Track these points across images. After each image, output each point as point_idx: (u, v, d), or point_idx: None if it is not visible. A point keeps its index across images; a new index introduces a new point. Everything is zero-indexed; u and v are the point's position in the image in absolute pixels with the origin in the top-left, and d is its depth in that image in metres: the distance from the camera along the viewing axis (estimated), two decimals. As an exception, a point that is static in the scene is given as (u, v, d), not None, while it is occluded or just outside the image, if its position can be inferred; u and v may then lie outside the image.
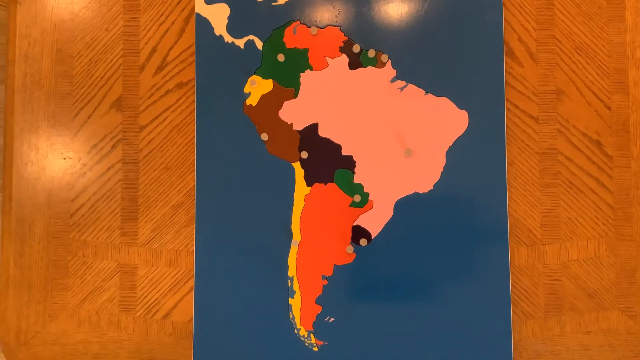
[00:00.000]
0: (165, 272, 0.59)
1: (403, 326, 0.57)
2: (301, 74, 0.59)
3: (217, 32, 0.59)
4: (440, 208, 0.57)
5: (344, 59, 0.59)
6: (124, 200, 0.60)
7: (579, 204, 0.59)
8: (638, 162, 0.59)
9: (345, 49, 0.59)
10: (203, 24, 0.59)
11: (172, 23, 0.60)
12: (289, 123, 0.59)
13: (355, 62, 0.59)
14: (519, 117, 0.59)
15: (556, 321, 0.58)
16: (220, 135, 0.58)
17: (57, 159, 0.60)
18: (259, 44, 0.59)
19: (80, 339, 0.59)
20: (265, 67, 0.59)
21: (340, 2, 0.59)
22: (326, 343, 0.57)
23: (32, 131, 0.60)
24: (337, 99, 0.58)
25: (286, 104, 0.59)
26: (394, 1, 0.59)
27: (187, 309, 0.59)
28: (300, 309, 0.58)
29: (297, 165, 0.58)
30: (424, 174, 0.58)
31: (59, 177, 0.60)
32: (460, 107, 0.58)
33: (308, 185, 0.58)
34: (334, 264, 0.58)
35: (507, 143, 0.59)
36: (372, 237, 0.58)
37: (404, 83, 0.58)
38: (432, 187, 0.58)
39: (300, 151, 0.58)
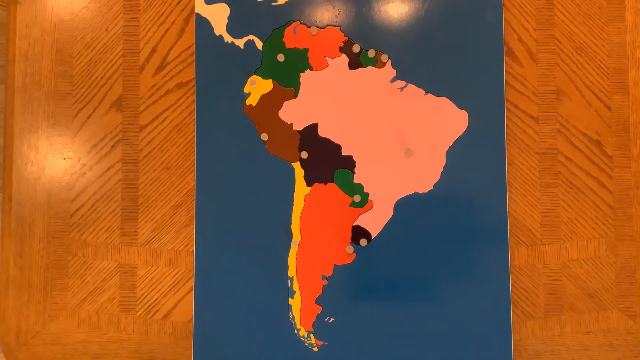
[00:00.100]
0: (165, 272, 0.59)
1: (403, 326, 0.57)
2: (301, 74, 0.59)
3: (217, 32, 0.59)
4: (440, 208, 0.57)
5: (344, 59, 0.59)
6: (124, 200, 0.60)
7: (579, 204, 0.59)
8: (638, 162, 0.59)
9: (345, 49, 0.59)
10: (203, 24, 0.59)
11: (172, 23, 0.60)
12: (289, 123, 0.59)
13: (355, 62, 0.59)
14: (519, 117, 0.59)
15: (556, 321, 0.58)
16: (220, 135, 0.58)
17: (57, 159, 0.60)
18: (259, 44, 0.59)
19: (80, 339, 0.59)
20: (265, 67, 0.59)
21: (340, 2, 0.59)
22: (326, 343, 0.57)
23: (32, 131, 0.60)
24: (337, 99, 0.58)
25: (286, 104, 0.59)
26: (394, 1, 0.59)
27: (187, 309, 0.59)
28: (300, 309, 0.58)
29: (297, 165, 0.58)
30: (424, 174, 0.58)
31: (59, 177, 0.60)
32: (460, 107, 0.58)
33: (308, 185, 0.58)
34: (334, 264, 0.58)
35: (507, 143, 0.59)
36: (372, 237, 0.58)
37: (404, 83, 0.58)
38: (432, 187, 0.58)
39: (300, 151, 0.58)
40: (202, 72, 0.59)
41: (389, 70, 0.58)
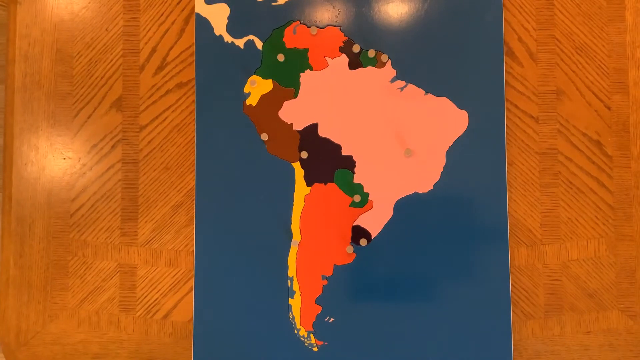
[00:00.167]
0: (165, 272, 0.59)
1: (403, 326, 0.57)
2: (301, 74, 0.59)
3: (217, 32, 0.59)
4: (440, 208, 0.57)
5: (344, 59, 0.59)
6: (124, 200, 0.60)
7: (579, 204, 0.59)
8: (638, 162, 0.59)
9: (345, 49, 0.59)
10: (203, 24, 0.59)
11: (172, 23, 0.60)
12: (288, 123, 0.59)
13: (355, 62, 0.59)
14: (519, 117, 0.59)
15: (556, 321, 0.58)
16: (220, 135, 0.58)
17: (57, 159, 0.60)
18: (259, 44, 0.59)
19: (80, 339, 0.59)
20: (265, 67, 0.59)
21: (340, 2, 0.59)
22: (326, 343, 0.57)
23: (32, 131, 0.60)
24: (337, 99, 0.58)
25: (286, 104, 0.59)
26: (394, 1, 0.59)
27: (187, 309, 0.59)
28: (300, 309, 0.58)
29: (297, 165, 0.58)
30: (424, 174, 0.58)
31: (59, 177, 0.60)
32: (460, 107, 0.58)
33: (308, 185, 0.58)
34: (334, 264, 0.58)
35: (507, 143, 0.59)
36: (372, 237, 0.58)
37: (404, 83, 0.58)
38: (432, 187, 0.58)
39: (300, 151, 0.58)
40: (202, 72, 0.59)
41: (389, 70, 0.58)
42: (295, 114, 0.58)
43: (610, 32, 0.59)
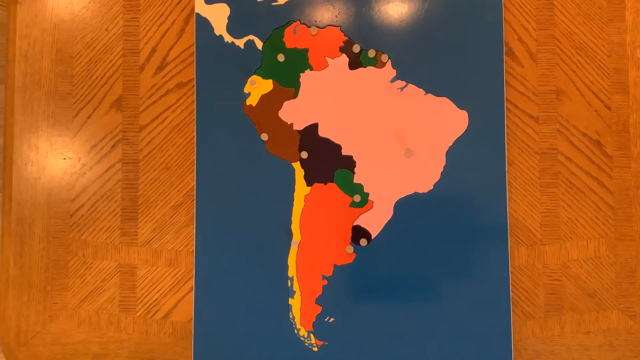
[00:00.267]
0: (165, 272, 0.59)
1: (403, 326, 0.57)
2: (301, 74, 0.59)
3: (217, 32, 0.59)
4: (440, 208, 0.57)
5: (344, 59, 0.59)
6: (124, 200, 0.60)
7: (579, 204, 0.59)
8: (638, 162, 0.59)
9: (345, 49, 0.59)
10: (203, 24, 0.59)
11: (172, 23, 0.60)
12: (289, 123, 0.59)
13: (355, 62, 0.59)
14: (519, 117, 0.59)
15: (556, 321, 0.58)
16: (220, 135, 0.58)
17: (57, 159, 0.60)
18: (259, 44, 0.59)
19: (80, 339, 0.59)
20: (265, 67, 0.59)
21: (340, 2, 0.59)
22: (326, 343, 0.57)
23: (32, 131, 0.60)
24: (337, 99, 0.58)
25: (286, 104, 0.59)
26: (394, 1, 0.59)
27: (187, 309, 0.59)
28: (300, 309, 0.58)
29: (297, 165, 0.58)
30: (424, 174, 0.58)
31: (59, 177, 0.60)
32: (460, 107, 0.58)
33: (308, 185, 0.58)
34: (334, 264, 0.58)
35: (507, 143, 0.59)
36: (372, 237, 0.58)
37: (404, 83, 0.58)
38: (432, 187, 0.58)
39: (300, 151, 0.58)
40: (202, 72, 0.59)
41: (389, 70, 0.58)
42: (295, 114, 0.58)
43: (610, 32, 0.59)
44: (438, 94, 0.58)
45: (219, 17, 0.59)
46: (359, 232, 0.58)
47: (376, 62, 0.58)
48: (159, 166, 0.60)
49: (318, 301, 0.58)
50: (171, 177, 0.60)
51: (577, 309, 0.58)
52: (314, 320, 0.58)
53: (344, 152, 0.58)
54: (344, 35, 0.59)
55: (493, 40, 0.58)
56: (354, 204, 0.58)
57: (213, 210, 0.58)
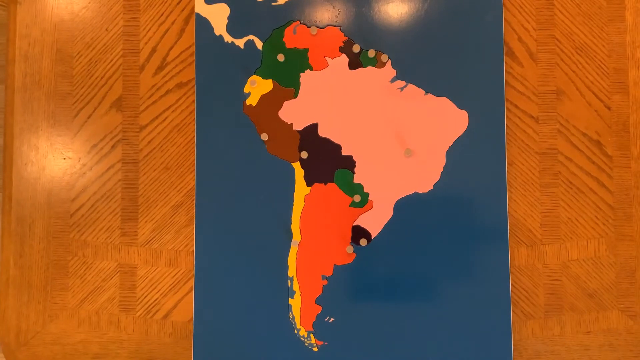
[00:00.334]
0: (165, 272, 0.59)
1: (403, 326, 0.57)
2: (301, 74, 0.59)
3: (217, 32, 0.59)
4: (440, 208, 0.57)
5: (344, 59, 0.59)
6: (124, 200, 0.60)
7: (579, 204, 0.59)
8: (638, 162, 0.59)
9: (345, 49, 0.59)
10: (203, 24, 0.59)
11: (172, 23, 0.60)
12: (289, 123, 0.59)
13: (355, 62, 0.59)
14: (519, 117, 0.59)
15: (556, 321, 0.58)
16: (220, 135, 0.58)
17: (57, 159, 0.60)
18: (259, 44, 0.59)
19: (80, 339, 0.59)
20: (265, 67, 0.59)
21: (340, 2, 0.59)
22: (326, 343, 0.57)
23: (32, 131, 0.60)
24: (337, 99, 0.58)
25: (286, 104, 0.59)
26: (394, 1, 0.59)
27: (187, 309, 0.59)
28: (300, 309, 0.58)
29: (297, 165, 0.58)
30: (424, 174, 0.58)
31: (59, 177, 0.60)
32: (460, 107, 0.58)
33: (308, 185, 0.58)
34: (334, 264, 0.58)
35: (507, 143, 0.59)
36: (372, 237, 0.58)
37: (404, 83, 0.58)
38: (432, 187, 0.58)
39: (300, 151, 0.58)
40: (202, 72, 0.59)
41: (389, 70, 0.58)
42: (295, 114, 0.58)
43: (610, 32, 0.59)
44: (438, 94, 0.58)
45: (219, 17, 0.59)
46: (359, 232, 0.58)
47: (376, 62, 0.58)
48: (159, 166, 0.60)
49: (318, 301, 0.58)
50: (171, 177, 0.60)
51: (577, 309, 0.58)
52: (314, 320, 0.58)
53: (344, 152, 0.58)
54: (344, 35, 0.59)
55: (493, 40, 0.58)
56: (354, 204, 0.58)
57: (213, 210, 0.58)
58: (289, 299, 0.58)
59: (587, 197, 0.59)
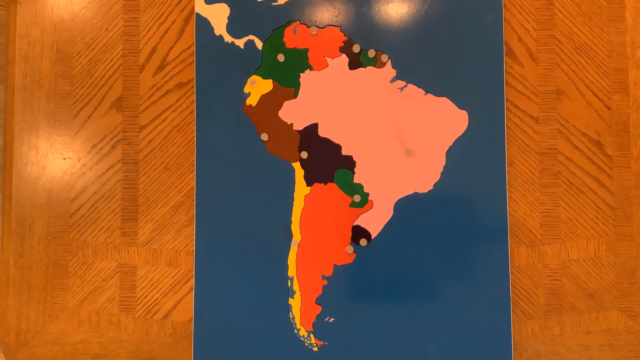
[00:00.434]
0: (165, 272, 0.59)
1: (403, 326, 0.57)
2: (301, 74, 0.59)
3: (217, 32, 0.59)
4: (440, 208, 0.57)
5: (344, 59, 0.59)
6: (124, 200, 0.60)
7: (579, 204, 0.59)
8: (638, 162, 0.59)
9: (345, 49, 0.59)
10: (203, 24, 0.59)
11: (172, 23, 0.60)
12: (288, 123, 0.59)
13: (355, 62, 0.59)
14: (519, 117, 0.59)
15: (556, 321, 0.58)
16: (220, 135, 0.58)
17: (57, 159, 0.60)
18: (259, 44, 0.59)
19: (80, 339, 0.59)
20: (265, 67, 0.59)
21: (340, 2, 0.59)
22: (326, 343, 0.57)
23: (32, 131, 0.60)
24: (337, 99, 0.58)
25: (286, 104, 0.59)
26: (394, 1, 0.59)
27: (187, 309, 0.59)
28: (300, 309, 0.58)
29: (297, 165, 0.58)
30: (424, 174, 0.58)
31: (59, 177, 0.60)
32: (460, 107, 0.58)
33: (308, 185, 0.58)
34: (334, 264, 0.58)
35: (507, 143, 0.59)
36: (372, 237, 0.58)
37: (404, 83, 0.58)
38: (432, 187, 0.58)
39: (300, 151, 0.58)
40: (202, 72, 0.59)
41: (389, 70, 0.58)
42: (295, 114, 0.58)
43: (610, 32, 0.59)
44: (438, 94, 0.58)
45: (219, 17, 0.59)
46: (359, 232, 0.58)
47: (376, 62, 0.58)
48: (159, 166, 0.60)
49: (318, 301, 0.58)
50: (171, 177, 0.60)
51: (577, 309, 0.58)
52: (314, 320, 0.58)
53: (344, 152, 0.58)
54: (344, 35, 0.59)
55: (493, 40, 0.58)
56: (354, 204, 0.58)
57: (213, 210, 0.58)
58: (289, 299, 0.58)
59: (587, 197, 0.59)
